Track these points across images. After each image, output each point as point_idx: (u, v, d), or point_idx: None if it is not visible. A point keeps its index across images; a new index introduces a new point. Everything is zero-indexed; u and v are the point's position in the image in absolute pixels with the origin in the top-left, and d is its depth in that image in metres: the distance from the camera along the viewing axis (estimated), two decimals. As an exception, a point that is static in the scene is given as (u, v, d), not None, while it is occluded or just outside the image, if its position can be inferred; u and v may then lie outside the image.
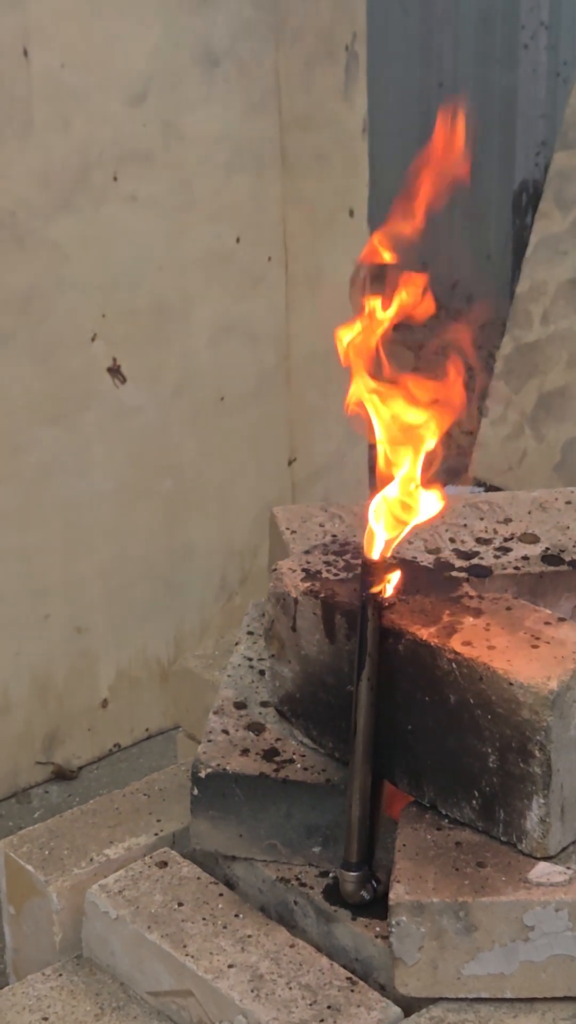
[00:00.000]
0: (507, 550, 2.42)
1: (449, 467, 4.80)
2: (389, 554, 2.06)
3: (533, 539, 2.45)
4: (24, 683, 3.41)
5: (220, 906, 2.17)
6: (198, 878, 2.22)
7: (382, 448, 2.09)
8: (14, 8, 3.06)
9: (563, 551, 2.42)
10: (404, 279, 2.16)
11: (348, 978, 2.05)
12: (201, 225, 3.48)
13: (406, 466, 2.06)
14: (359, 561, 2.12)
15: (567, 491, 2.63)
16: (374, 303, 2.14)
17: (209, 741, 2.25)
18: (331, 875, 2.19)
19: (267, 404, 3.72)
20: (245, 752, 2.23)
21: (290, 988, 2.03)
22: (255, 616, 2.55)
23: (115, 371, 3.39)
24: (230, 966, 2.06)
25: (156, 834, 2.33)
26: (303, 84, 3.59)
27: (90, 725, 3.55)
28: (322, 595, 2.19)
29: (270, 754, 2.23)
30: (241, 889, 2.25)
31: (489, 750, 2.02)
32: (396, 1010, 2.01)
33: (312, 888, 2.18)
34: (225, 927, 2.13)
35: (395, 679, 2.09)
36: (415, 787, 2.12)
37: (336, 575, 2.23)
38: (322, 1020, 1.98)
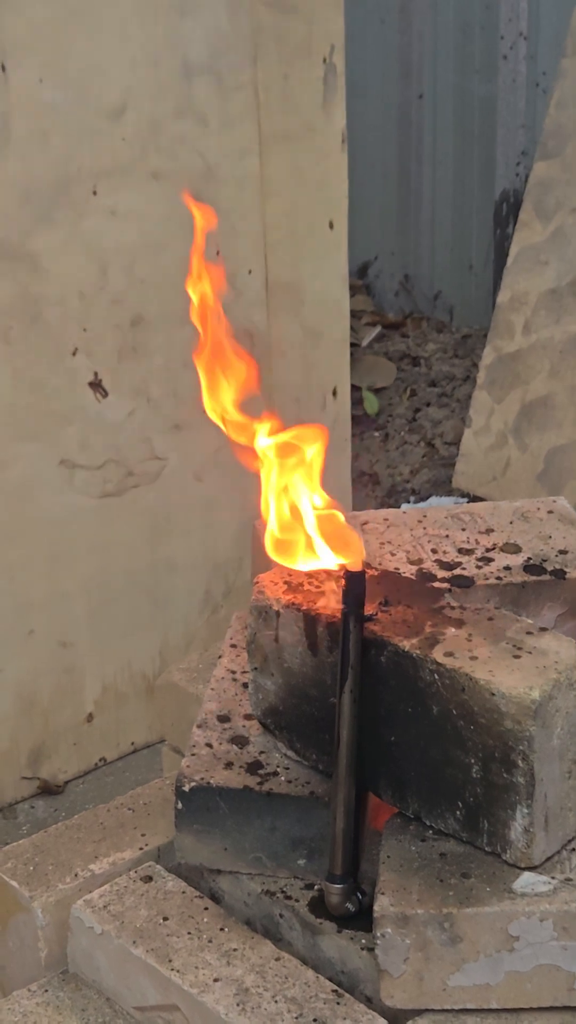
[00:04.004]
0: (489, 560, 2.42)
1: (433, 478, 4.81)
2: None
3: (515, 549, 2.46)
4: (9, 698, 3.40)
5: (205, 920, 2.17)
6: (183, 892, 2.22)
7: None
8: (-9, 24, 3.07)
9: (545, 561, 2.42)
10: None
11: (334, 991, 2.05)
12: (181, 238, 3.47)
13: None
14: (341, 573, 2.12)
15: (549, 500, 2.63)
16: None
17: (193, 755, 2.25)
18: (316, 888, 2.19)
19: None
20: (229, 765, 2.23)
21: (276, 1001, 2.03)
22: (238, 629, 2.55)
23: (96, 385, 3.39)
24: (216, 980, 2.06)
25: (141, 848, 2.33)
26: (281, 97, 3.60)
27: (75, 740, 3.55)
28: (304, 607, 2.19)
29: (254, 767, 2.23)
30: (226, 903, 2.25)
31: (472, 760, 2.02)
32: (383, 1022, 2.01)
33: (297, 901, 2.18)
34: (210, 941, 2.13)
35: (378, 690, 2.09)
36: (399, 798, 2.12)
37: (318, 587, 2.23)
38: (308, 1033, 1.98)
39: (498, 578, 2.38)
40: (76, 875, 2.28)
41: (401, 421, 5.13)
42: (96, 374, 3.38)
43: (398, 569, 2.37)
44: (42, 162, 3.20)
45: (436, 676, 2.03)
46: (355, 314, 5.40)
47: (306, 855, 2.19)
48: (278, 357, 3.76)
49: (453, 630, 2.10)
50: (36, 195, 3.21)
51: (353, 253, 4.12)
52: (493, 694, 1.98)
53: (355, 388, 4.85)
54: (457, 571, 2.39)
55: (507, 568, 2.40)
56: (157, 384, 3.51)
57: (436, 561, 2.42)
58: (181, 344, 3.54)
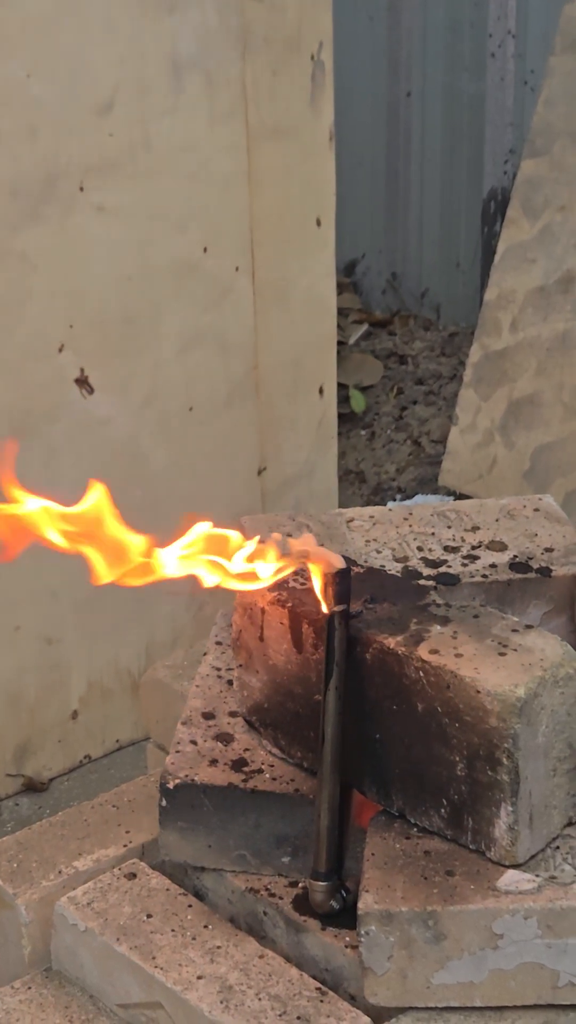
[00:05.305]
0: (475, 558, 2.42)
1: (419, 476, 4.81)
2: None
3: (501, 547, 2.46)
4: (-6, 695, 3.40)
5: (189, 917, 2.16)
6: (167, 889, 2.21)
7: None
8: (-21, 19, 3.06)
9: (531, 559, 2.42)
10: None
11: (318, 988, 2.05)
12: (168, 235, 3.48)
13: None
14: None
15: (535, 498, 2.63)
16: None
17: (177, 752, 2.25)
18: (300, 885, 2.19)
19: (236, 414, 3.72)
20: (213, 763, 2.23)
21: (259, 999, 2.02)
22: (223, 626, 2.55)
23: (83, 382, 3.38)
24: (199, 977, 2.06)
25: (125, 846, 2.32)
26: (269, 93, 3.59)
27: (60, 737, 3.54)
28: (289, 605, 2.18)
29: (238, 764, 2.22)
30: (210, 900, 2.25)
31: (457, 758, 2.02)
32: (366, 1020, 2.00)
33: (281, 898, 2.18)
34: (194, 938, 2.13)
35: (363, 688, 2.09)
36: (384, 796, 2.12)
37: (303, 585, 2.22)
38: (292, 1031, 1.98)
39: (484, 576, 2.38)
40: (60, 872, 2.27)
41: (388, 419, 5.13)
42: (82, 370, 3.37)
43: (384, 567, 2.37)
44: (30, 157, 3.20)
45: (421, 673, 2.03)
46: (342, 312, 5.40)
47: (290, 852, 2.19)
48: (265, 354, 3.76)
49: (438, 627, 2.10)
50: (23, 191, 3.20)
51: (340, 250, 4.12)
52: (478, 691, 1.98)
53: (342, 386, 4.85)
54: (443, 569, 2.39)
55: (493, 566, 2.40)
56: (143, 381, 3.50)
57: (422, 559, 2.42)
58: (168, 340, 3.54)
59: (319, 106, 3.71)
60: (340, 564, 2.04)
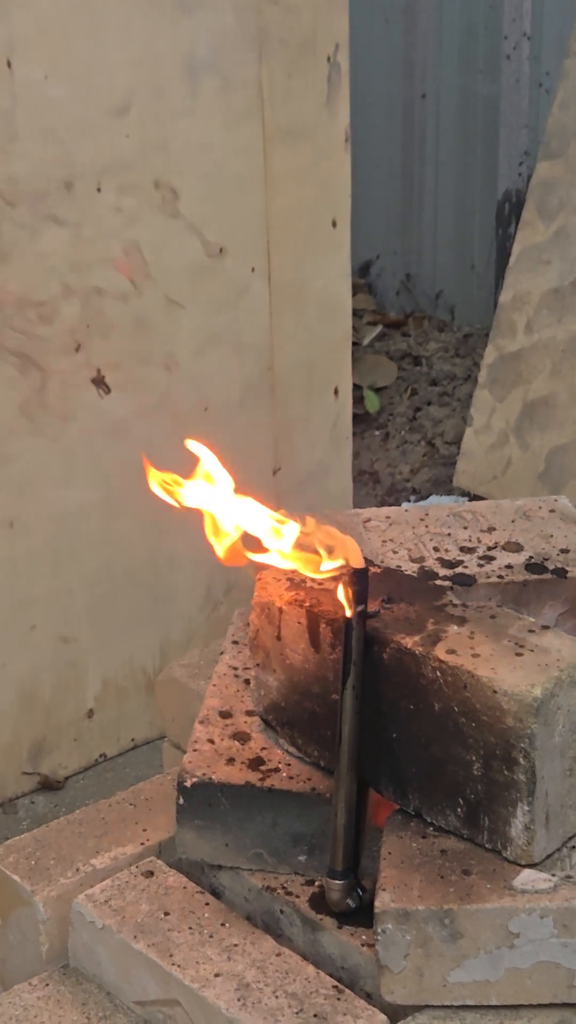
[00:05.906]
0: (491, 559, 2.43)
1: (433, 477, 4.81)
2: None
3: (517, 548, 2.46)
4: (10, 694, 3.41)
5: (206, 915, 2.17)
6: (184, 887, 2.22)
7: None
8: (-3, 20, 3.07)
9: (547, 559, 2.42)
10: None
11: (334, 986, 2.06)
12: (184, 236, 3.48)
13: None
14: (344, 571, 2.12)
15: (550, 499, 2.64)
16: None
17: (195, 751, 2.26)
18: (317, 884, 2.20)
19: (251, 414, 3.73)
20: (231, 761, 2.24)
21: (276, 997, 2.03)
22: (240, 625, 2.56)
23: (99, 382, 3.39)
24: (216, 975, 2.07)
25: (142, 844, 2.34)
26: (285, 95, 3.60)
27: (76, 735, 3.55)
28: (307, 604, 2.19)
29: (255, 763, 2.23)
30: (227, 898, 2.25)
31: (473, 758, 2.03)
32: (382, 1018, 2.01)
33: (298, 897, 2.19)
34: (211, 936, 2.14)
35: (380, 687, 2.10)
36: (400, 795, 2.13)
37: (320, 584, 2.23)
38: (308, 1028, 1.99)
39: (500, 576, 2.38)
40: (77, 870, 2.28)
41: (402, 420, 5.13)
42: (99, 371, 3.38)
43: (400, 567, 2.38)
44: (47, 158, 3.21)
45: (438, 673, 2.04)
46: (356, 313, 5.41)
47: (307, 851, 2.20)
48: (280, 355, 3.76)
49: (455, 628, 2.11)
50: (41, 192, 3.21)
51: (355, 252, 4.13)
52: (495, 691, 1.99)
53: (356, 387, 4.85)
54: (459, 569, 2.39)
55: (509, 567, 2.41)
56: (159, 381, 3.51)
57: (438, 559, 2.42)
58: (183, 341, 3.55)
59: (335, 108, 3.72)
60: (360, 563, 2.05)
